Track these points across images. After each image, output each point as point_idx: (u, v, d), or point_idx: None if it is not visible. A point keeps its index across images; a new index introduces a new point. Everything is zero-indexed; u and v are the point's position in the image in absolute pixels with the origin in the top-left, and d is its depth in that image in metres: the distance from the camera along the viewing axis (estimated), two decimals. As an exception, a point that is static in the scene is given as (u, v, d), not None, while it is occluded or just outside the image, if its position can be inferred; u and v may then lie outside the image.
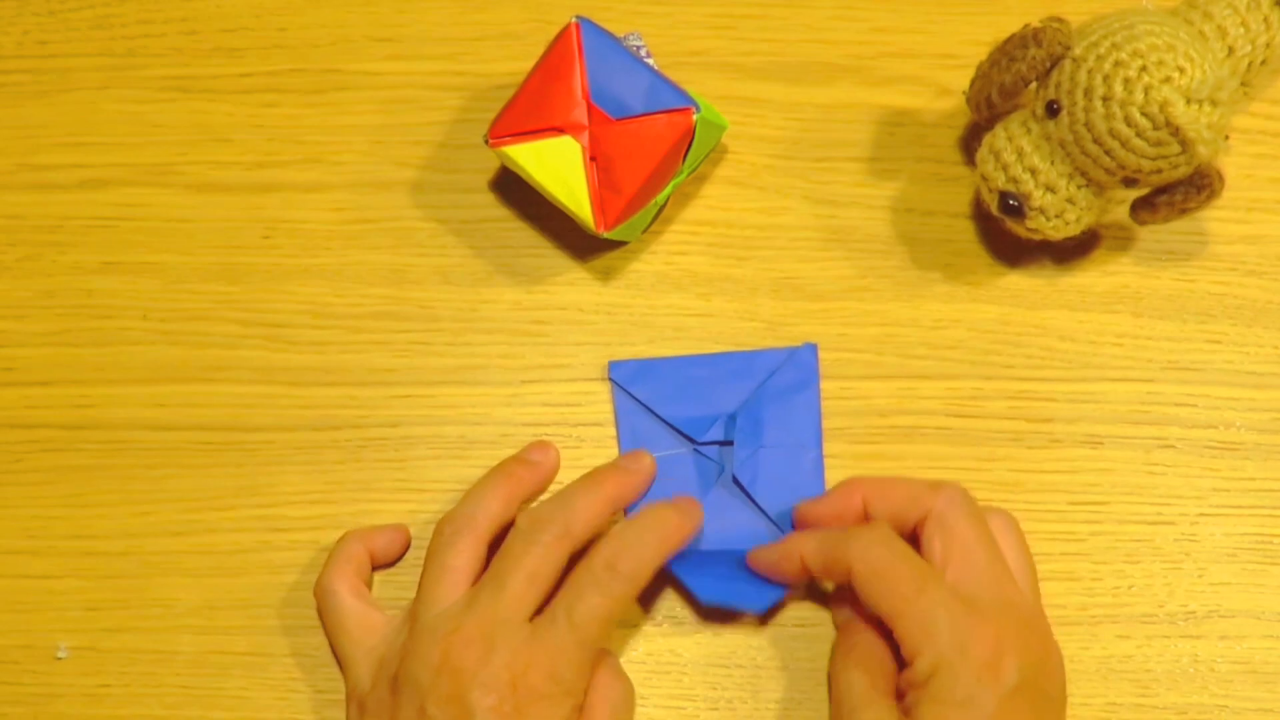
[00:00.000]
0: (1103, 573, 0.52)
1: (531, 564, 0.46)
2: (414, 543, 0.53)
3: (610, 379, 0.53)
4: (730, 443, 0.52)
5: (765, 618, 0.52)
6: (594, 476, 0.50)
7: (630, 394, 0.53)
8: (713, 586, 0.49)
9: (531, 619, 0.46)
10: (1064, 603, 0.52)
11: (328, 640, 0.50)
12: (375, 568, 0.52)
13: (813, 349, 0.53)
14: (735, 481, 0.52)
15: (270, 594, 0.52)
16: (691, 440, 0.53)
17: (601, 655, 0.48)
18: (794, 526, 0.51)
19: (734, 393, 0.53)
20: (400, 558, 0.52)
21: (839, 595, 0.51)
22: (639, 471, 0.51)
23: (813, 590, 0.52)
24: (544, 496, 0.52)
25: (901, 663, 0.46)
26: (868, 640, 0.48)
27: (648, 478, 0.51)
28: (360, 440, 0.54)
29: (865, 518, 0.48)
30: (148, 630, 0.52)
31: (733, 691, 0.51)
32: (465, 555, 0.48)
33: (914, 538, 0.47)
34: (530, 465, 0.51)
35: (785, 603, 0.52)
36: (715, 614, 0.52)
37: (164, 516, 0.53)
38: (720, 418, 0.53)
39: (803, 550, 0.48)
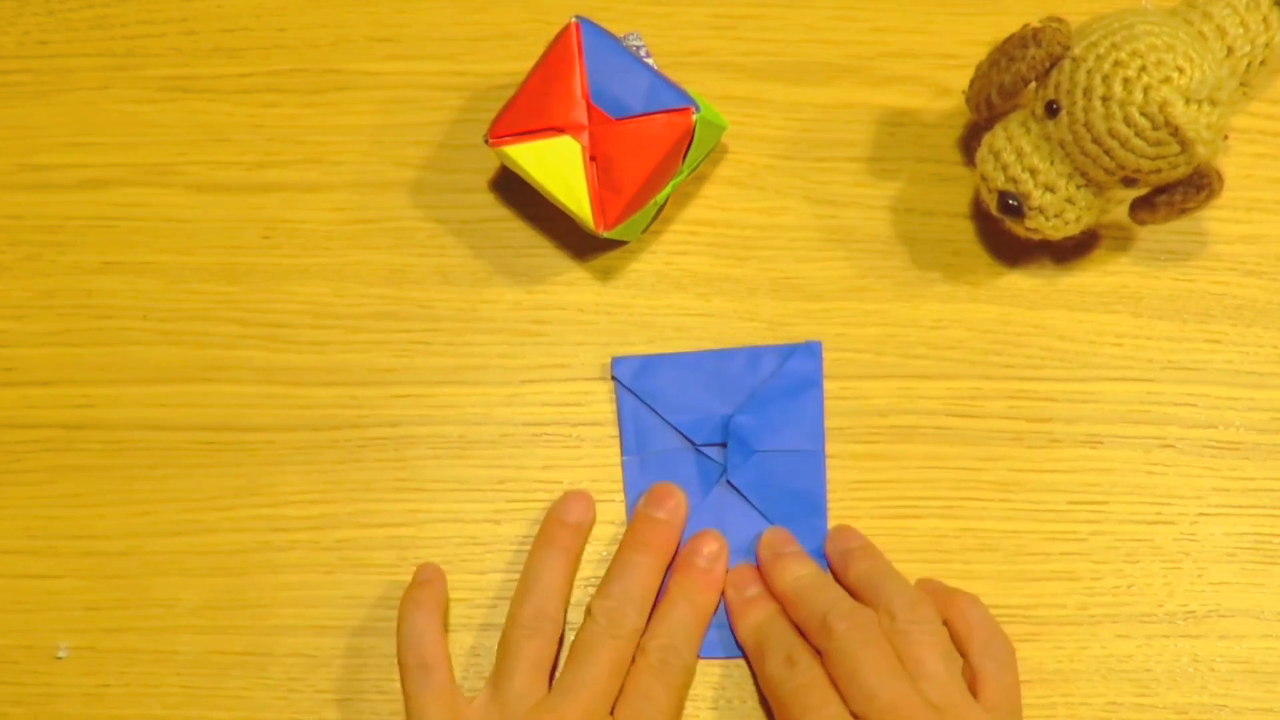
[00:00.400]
0: (1103, 572, 0.52)
1: (613, 657, 0.48)
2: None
3: (613, 376, 0.53)
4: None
5: None
6: (644, 541, 0.51)
7: (632, 391, 0.53)
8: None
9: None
10: (1064, 603, 0.52)
11: (406, 710, 0.49)
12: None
13: (816, 347, 0.53)
14: (733, 486, 0.52)
15: (270, 594, 0.52)
16: (692, 442, 0.53)
17: None
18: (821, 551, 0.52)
19: (737, 390, 0.53)
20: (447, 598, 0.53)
21: None
22: (676, 516, 0.52)
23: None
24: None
25: None
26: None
27: (684, 517, 0.52)
28: (360, 440, 0.54)
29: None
30: (148, 630, 0.52)
31: (732, 691, 0.51)
32: (547, 648, 0.49)
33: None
34: (575, 530, 0.52)
35: None
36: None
37: (164, 516, 0.53)
38: (721, 419, 0.53)
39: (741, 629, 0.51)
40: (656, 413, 0.53)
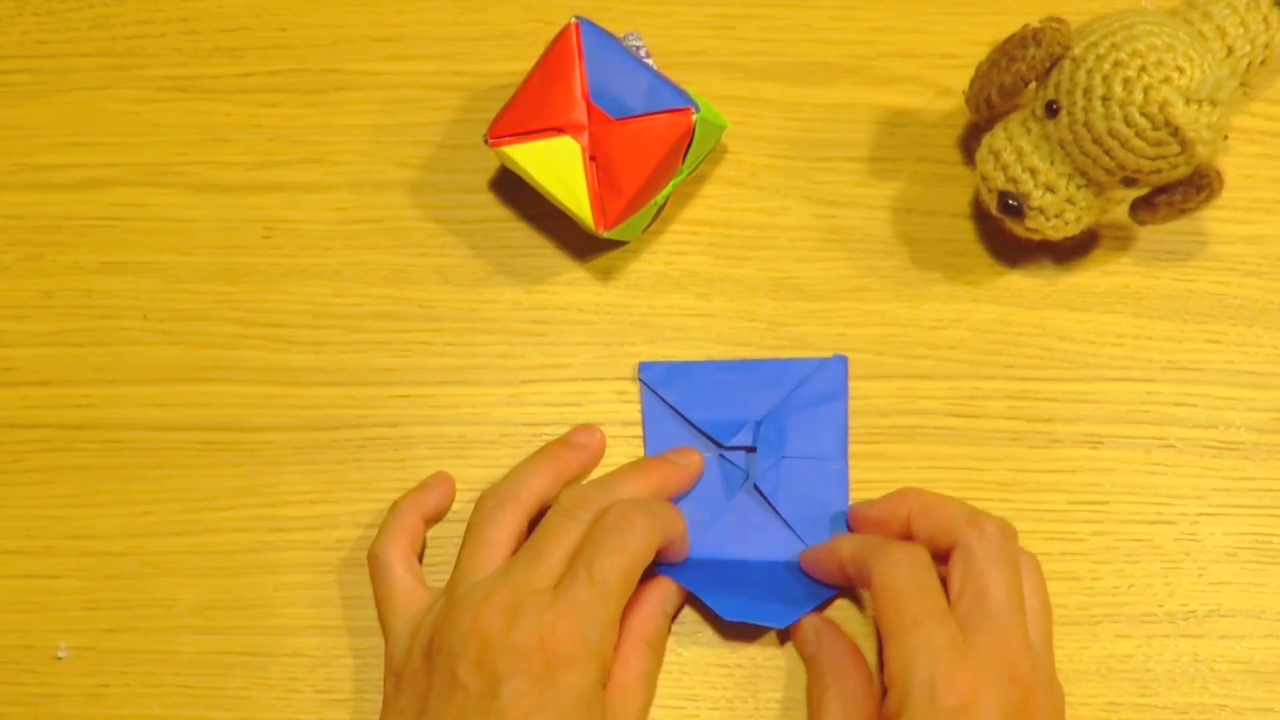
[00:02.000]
0: (1103, 572, 0.52)
1: (569, 540, 0.47)
2: (456, 515, 0.53)
3: (640, 380, 0.53)
4: (755, 449, 0.52)
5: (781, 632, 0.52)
6: (641, 464, 0.51)
7: (659, 395, 0.53)
8: (735, 605, 0.49)
9: None
10: (1064, 603, 0.52)
11: (376, 609, 0.50)
12: (429, 525, 0.52)
13: (843, 361, 0.53)
14: (757, 489, 0.52)
15: (270, 594, 0.52)
16: (717, 444, 0.53)
17: (631, 631, 0.48)
18: (848, 526, 0.52)
19: (762, 400, 0.53)
20: (450, 507, 0.52)
21: (802, 633, 0.51)
22: (687, 467, 0.52)
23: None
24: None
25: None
26: (844, 670, 0.49)
27: (694, 474, 0.52)
28: (360, 440, 0.54)
29: (909, 530, 0.49)
30: (148, 630, 0.52)
31: (733, 691, 0.51)
32: (506, 529, 0.48)
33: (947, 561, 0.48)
34: (576, 448, 0.52)
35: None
36: (715, 615, 0.52)
37: (164, 516, 0.53)
38: (747, 424, 0.52)
39: (840, 551, 0.49)
40: (682, 416, 0.53)
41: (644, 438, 0.53)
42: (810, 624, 0.50)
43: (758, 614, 0.49)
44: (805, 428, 0.52)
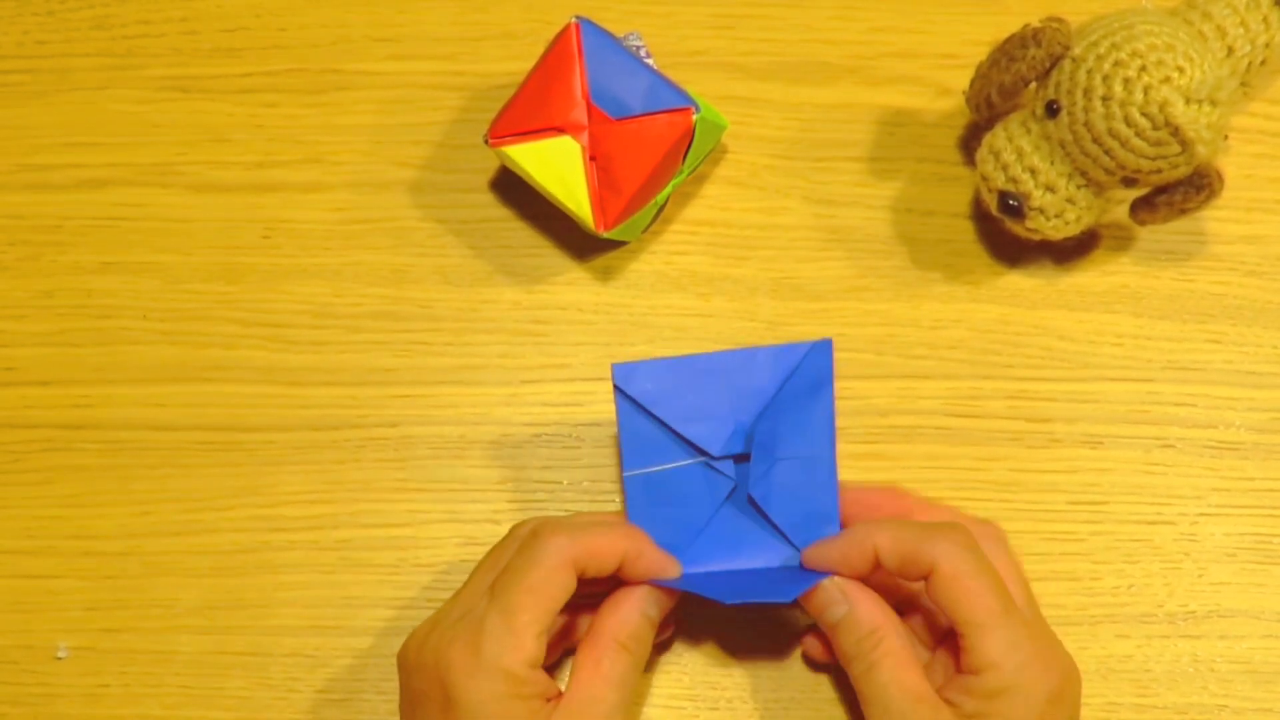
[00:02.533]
0: (1103, 573, 0.52)
1: (498, 562, 0.47)
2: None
3: (613, 383, 0.48)
4: (746, 456, 0.48)
5: (783, 609, 0.51)
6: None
7: (635, 401, 0.47)
8: (734, 591, 0.46)
9: None
10: (1064, 603, 0.52)
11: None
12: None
13: (827, 345, 0.48)
14: (750, 500, 0.48)
15: (270, 594, 0.52)
16: (706, 454, 0.48)
17: (603, 634, 0.46)
18: (803, 567, 0.47)
19: (750, 396, 0.48)
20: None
21: (815, 632, 0.50)
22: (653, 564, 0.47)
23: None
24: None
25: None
26: (892, 626, 0.46)
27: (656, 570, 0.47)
28: (360, 440, 0.54)
29: (877, 566, 0.46)
30: (148, 630, 0.52)
31: (733, 691, 0.51)
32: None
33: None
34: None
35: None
36: (716, 615, 0.52)
37: (164, 516, 0.53)
38: (736, 429, 0.48)
39: (877, 541, 0.45)
40: (663, 423, 0.48)
41: (620, 449, 0.48)
42: (835, 584, 0.46)
43: (762, 592, 0.46)
44: (796, 425, 0.47)
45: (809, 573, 0.47)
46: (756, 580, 0.47)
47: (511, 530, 0.48)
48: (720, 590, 0.46)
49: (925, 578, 0.45)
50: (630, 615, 0.46)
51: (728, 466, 0.48)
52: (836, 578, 0.46)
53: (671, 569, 0.47)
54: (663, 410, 0.47)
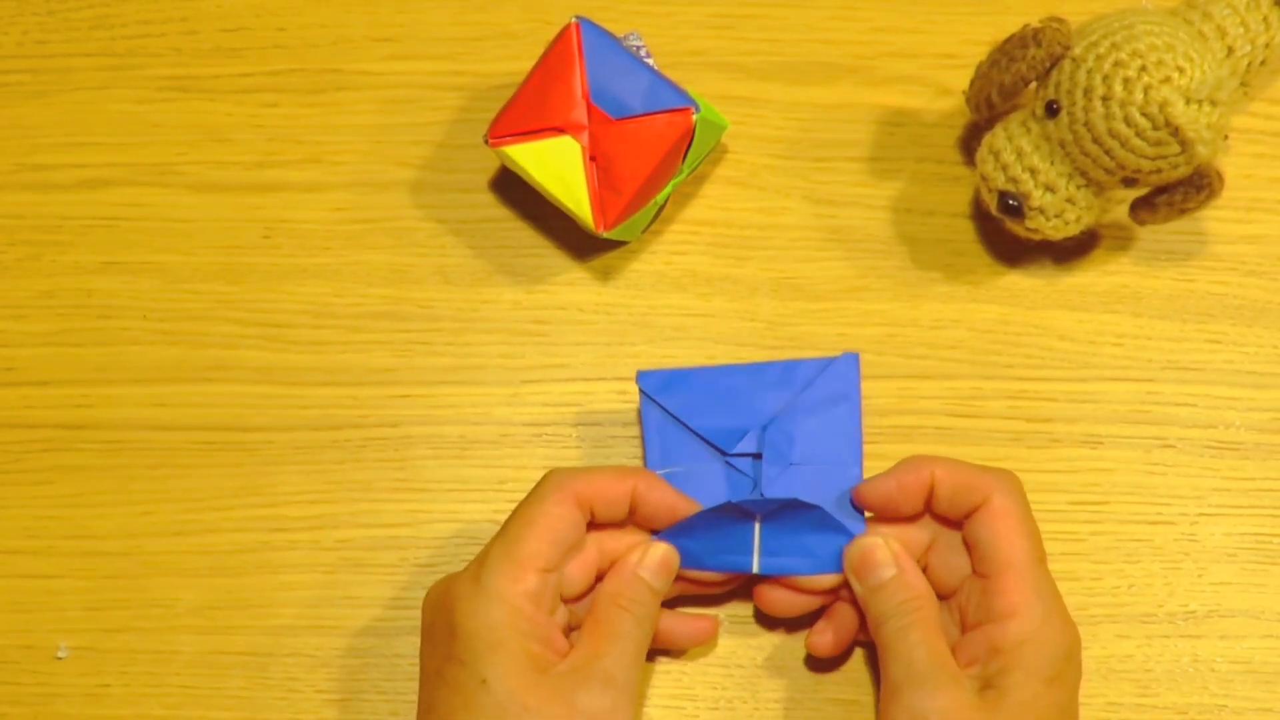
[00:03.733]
0: (1103, 573, 0.52)
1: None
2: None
3: (639, 389, 0.50)
4: (760, 456, 0.50)
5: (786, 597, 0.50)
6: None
7: (659, 404, 0.50)
8: (764, 561, 0.47)
9: None
10: (1064, 603, 0.52)
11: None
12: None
13: (854, 359, 0.50)
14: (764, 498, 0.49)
15: (270, 594, 0.52)
16: (721, 451, 0.50)
17: (602, 595, 0.47)
18: (854, 504, 0.49)
19: (767, 404, 0.50)
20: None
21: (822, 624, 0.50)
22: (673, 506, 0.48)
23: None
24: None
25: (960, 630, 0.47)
26: (929, 596, 0.46)
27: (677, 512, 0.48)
28: (360, 440, 0.54)
29: (930, 499, 0.47)
30: (148, 630, 0.52)
31: (733, 691, 0.51)
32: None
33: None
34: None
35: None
36: (716, 616, 0.52)
37: (164, 516, 0.53)
38: (753, 430, 0.50)
39: (935, 470, 0.47)
40: (684, 424, 0.50)
41: (644, 450, 0.51)
42: (886, 545, 0.47)
43: (796, 566, 0.47)
44: (815, 432, 0.49)
45: (840, 527, 0.47)
46: (783, 537, 0.48)
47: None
48: (742, 561, 0.47)
49: (972, 512, 0.46)
50: (626, 577, 0.47)
51: (745, 465, 0.50)
52: (886, 539, 0.47)
53: (685, 506, 0.47)
54: (684, 413, 0.50)
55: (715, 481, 0.50)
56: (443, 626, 0.45)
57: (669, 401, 0.50)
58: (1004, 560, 0.45)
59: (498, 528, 0.52)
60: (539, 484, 0.47)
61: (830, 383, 0.50)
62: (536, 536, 0.45)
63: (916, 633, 0.45)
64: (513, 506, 0.53)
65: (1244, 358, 0.54)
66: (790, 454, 0.49)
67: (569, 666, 0.44)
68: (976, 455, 0.53)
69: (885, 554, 0.47)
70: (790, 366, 0.50)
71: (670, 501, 0.47)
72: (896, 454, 0.53)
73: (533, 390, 0.54)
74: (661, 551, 0.47)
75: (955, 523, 0.48)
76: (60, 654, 0.52)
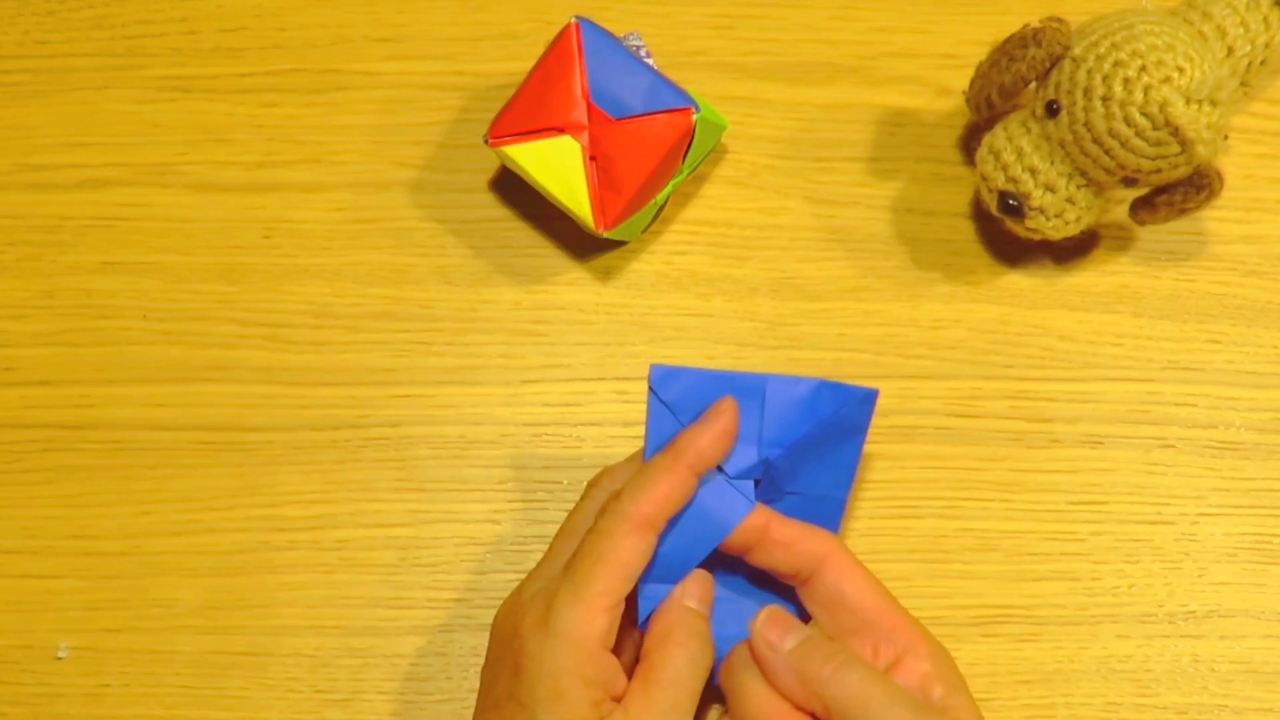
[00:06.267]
0: (1103, 573, 0.52)
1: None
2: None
3: (649, 384, 0.46)
4: (759, 482, 0.47)
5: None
6: (673, 450, 0.46)
7: (666, 405, 0.46)
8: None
9: None
10: (1064, 603, 0.52)
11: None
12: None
13: (872, 395, 0.47)
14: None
15: (270, 594, 0.52)
16: (721, 470, 0.47)
17: (652, 631, 0.46)
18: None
19: (781, 426, 0.47)
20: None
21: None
22: (719, 424, 0.46)
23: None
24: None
25: None
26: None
27: (730, 428, 0.46)
28: (360, 440, 0.54)
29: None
30: (148, 630, 0.52)
31: (733, 691, 0.51)
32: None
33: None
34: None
35: None
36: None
37: (164, 516, 0.53)
38: (758, 453, 0.47)
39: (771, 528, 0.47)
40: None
41: (645, 444, 0.47)
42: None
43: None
44: (817, 465, 0.47)
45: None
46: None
47: (586, 489, 0.48)
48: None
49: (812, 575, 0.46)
50: (673, 612, 0.46)
51: (747, 488, 0.47)
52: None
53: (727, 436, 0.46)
54: (693, 420, 0.46)
55: (712, 498, 0.46)
56: (510, 664, 0.44)
57: (677, 403, 0.47)
58: (870, 605, 0.45)
59: (498, 527, 0.53)
60: (603, 515, 0.45)
61: (846, 417, 0.47)
62: (607, 574, 0.44)
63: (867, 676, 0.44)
64: (512, 506, 0.53)
65: (1244, 358, 0.54)
66: (789, 485, 0.48)
67: (625, 714, 0.44)
68: (976, 455, 0.53)
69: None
70: (811, 389, 0.47)
71: (718, 442, 0.46)
72: (897, 454, 0.53)
73: (533, 390, 0.54)
74: (698, 576, 0.47)
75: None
76: (60, 654, 0.52)
